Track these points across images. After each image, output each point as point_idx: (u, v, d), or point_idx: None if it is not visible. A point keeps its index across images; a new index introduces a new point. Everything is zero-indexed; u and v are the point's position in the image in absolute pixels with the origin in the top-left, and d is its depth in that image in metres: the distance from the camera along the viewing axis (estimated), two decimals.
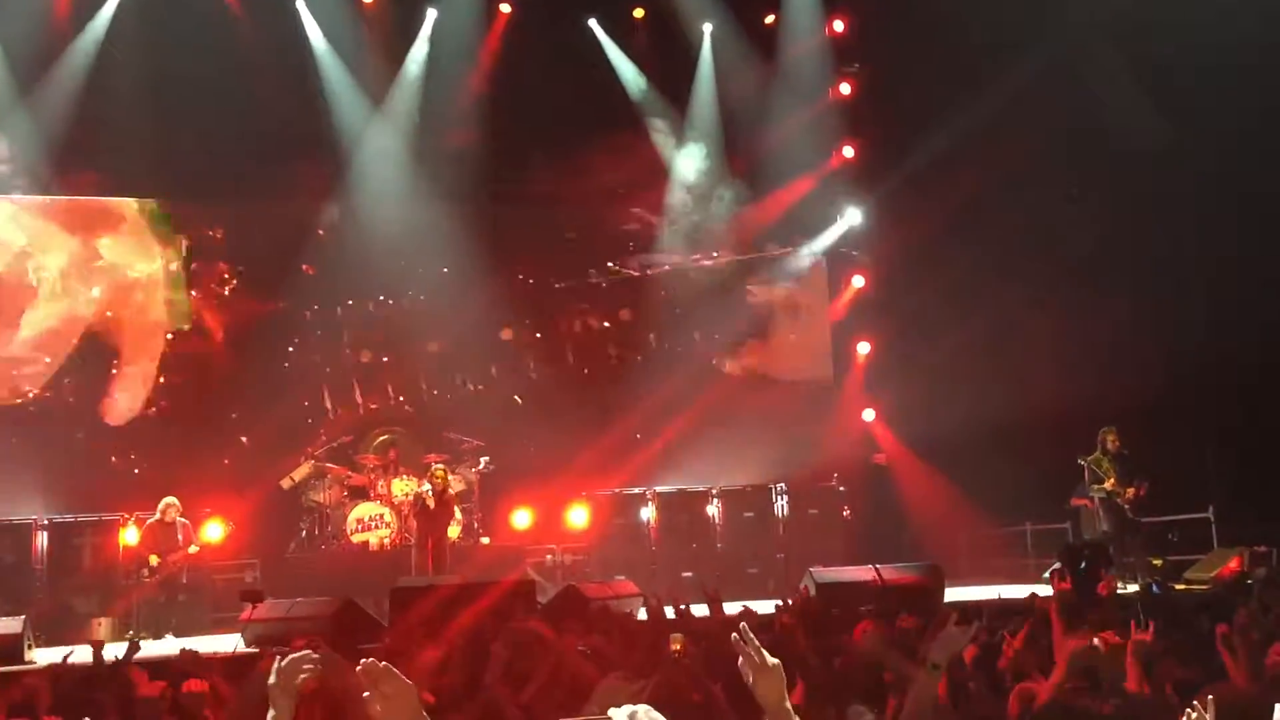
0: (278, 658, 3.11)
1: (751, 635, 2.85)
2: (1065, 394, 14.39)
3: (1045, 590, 10.17)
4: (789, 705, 2.78)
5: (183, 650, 5.39)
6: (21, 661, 9.27)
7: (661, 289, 17.45)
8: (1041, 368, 15.15)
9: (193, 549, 12.78)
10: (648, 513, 14.95)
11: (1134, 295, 14.61)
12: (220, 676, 5.01)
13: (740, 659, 2.84)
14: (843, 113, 17.60)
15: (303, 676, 3.05)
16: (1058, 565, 10.55)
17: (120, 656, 6.29)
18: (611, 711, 2.12)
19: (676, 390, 16.14)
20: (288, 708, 3.05)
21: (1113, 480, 12.35)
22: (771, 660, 2.80)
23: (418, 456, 15.42)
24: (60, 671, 6.14)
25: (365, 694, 2.54)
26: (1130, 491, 12.35)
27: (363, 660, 2.58)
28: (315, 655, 3.12)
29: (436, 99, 16.10)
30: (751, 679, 2.82)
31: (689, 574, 14.34)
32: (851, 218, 17.65)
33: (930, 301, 15.89)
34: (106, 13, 15.07)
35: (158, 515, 12.67)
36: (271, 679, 3.06)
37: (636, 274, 17.40)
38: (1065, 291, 15.47)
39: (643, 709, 2.11)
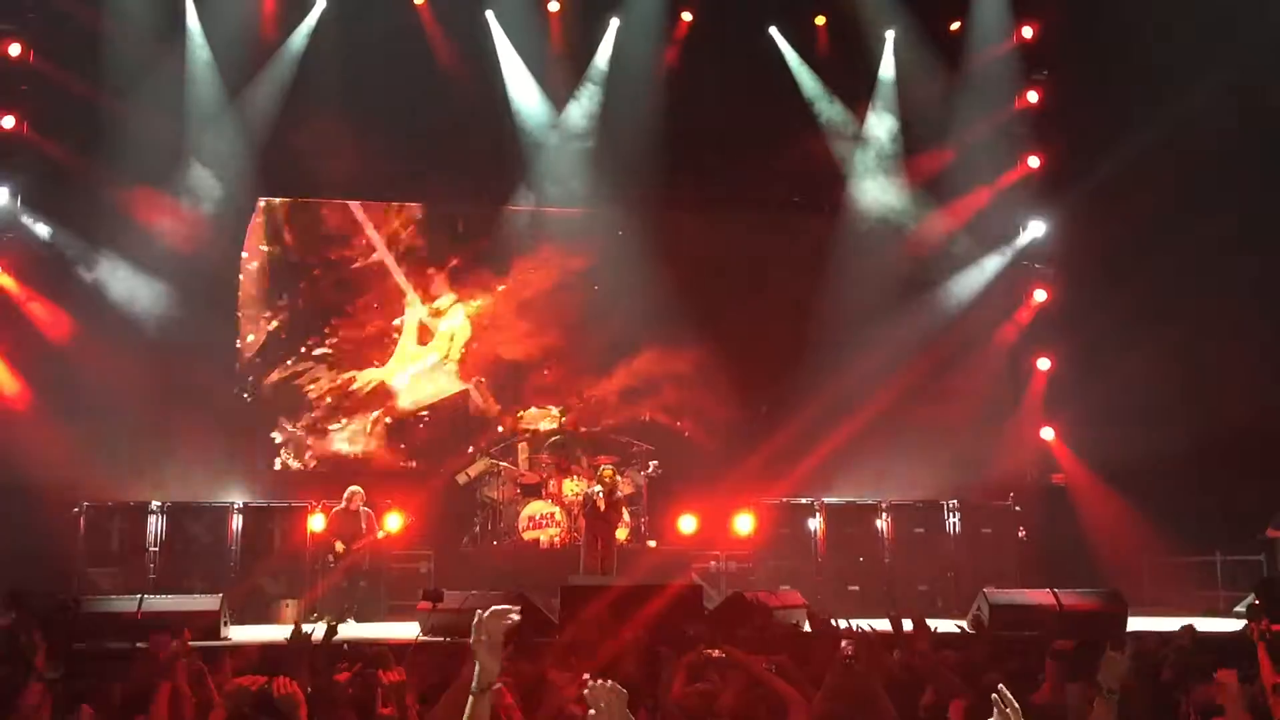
0: (478, 612, 3.17)
1: (1009, 696, 2.79)
2: (1262, 418, 13.66)
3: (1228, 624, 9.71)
4: None
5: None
6: (219, 638, 9.76)
7: (837, 294, 17.29)
8: (1235, 389, 14.39)
9: (380, 534, 13.30)
10: (814, 523, 14.81)
11: None
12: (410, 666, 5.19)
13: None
14: (1029, 121, 17.12)
15: (506, 624, 3.13)
16: (1254, 599, 10.03)
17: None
18: None
19: (846, 400, 15.97)
20: (494, 662, 3.11)
21: None
22: None
23: (589, 457, 15.71)
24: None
25: (591, 712, 2.73)
26: None
27: (588, 682, 2.80)
28: (515, 608, 3.18)
29: (618, 105, 16.37)
30: None
31: (855, 587, 14.20)
32: (1035, 229, 17.13)
33: (1116, 318, 15.26)
34: (309, 23, 15.88)
35: (343, 504, 13.22)
36: (475, 636, 3.12)
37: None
38: (1263, 309, 14.67)
39: None
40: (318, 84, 15.42)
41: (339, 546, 12.92)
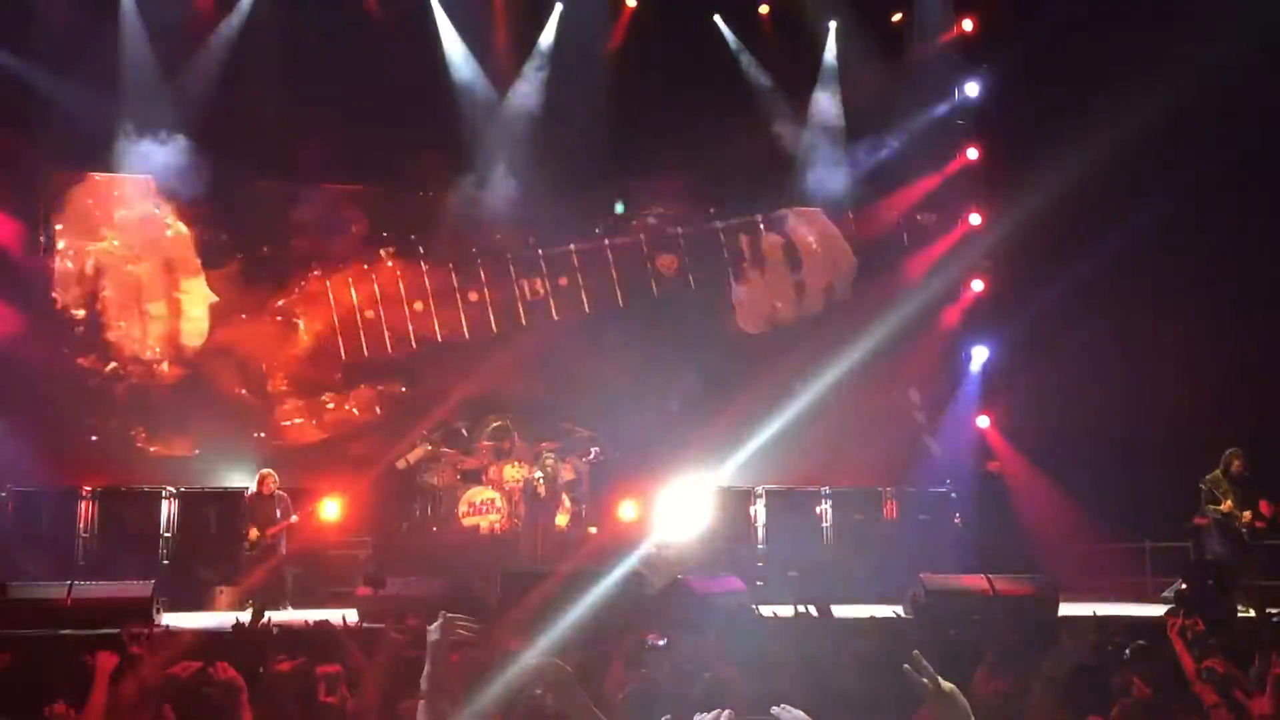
0: (443, 614, 3.22)
1: (925, 663, 2.73)
2: (1193, 408, 13.93)
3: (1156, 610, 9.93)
4: None
5: (316, 622, 5.52)
6: (151, 625, 9.58)
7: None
8: (1169, 379, 14.67)
9: (293, 518, 12.84)
10: (755, 510, 14.90)
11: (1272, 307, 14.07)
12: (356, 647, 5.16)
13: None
14: (969, 113, 17.31)
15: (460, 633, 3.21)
16: (1181, 585, 10.25)
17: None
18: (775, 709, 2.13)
19: (787, 389, 16.05)
20: (445, 665, 3.14)
21: (1229, 503, 11.94)
22: (947, 686, 2.70)
23: (530, 443, 15.62)
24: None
25: (538, 691, 2.72)
26: (1248, 515, 11.92)
27: (539, 663, 2.87)
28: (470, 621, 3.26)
29: (561, 91, 16.26)
30: (930, 707, 2.71)
31: (794, 573, 14.29)
32: (973, 219, 17.32)
33: (1052, 307, 15.51)
34: (246, 2, 15.59)
35: (254, 488, 12.82)
36: (434, 636, 3.18)
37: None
38: (1199, 299, 14.96)
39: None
40: (255, 62, 15.11)
41: (253, 534, 12.52)
